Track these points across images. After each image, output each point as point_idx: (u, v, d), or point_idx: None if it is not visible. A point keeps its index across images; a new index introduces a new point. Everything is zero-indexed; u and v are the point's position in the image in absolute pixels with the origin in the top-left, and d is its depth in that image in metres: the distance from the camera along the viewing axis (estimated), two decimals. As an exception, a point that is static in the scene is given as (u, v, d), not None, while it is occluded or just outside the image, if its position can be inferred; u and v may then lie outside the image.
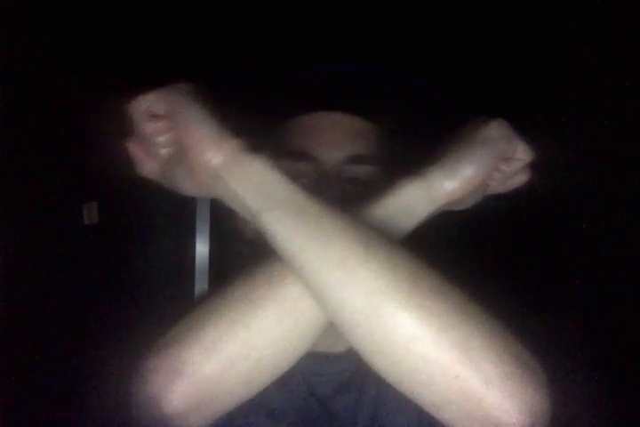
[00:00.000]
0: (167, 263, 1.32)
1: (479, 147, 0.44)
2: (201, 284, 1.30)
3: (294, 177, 0.42)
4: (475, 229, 1.13)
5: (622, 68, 1.01)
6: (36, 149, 1.03)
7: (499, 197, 0.49)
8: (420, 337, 0.35)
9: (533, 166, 0.47)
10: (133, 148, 0.44)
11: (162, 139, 0.42)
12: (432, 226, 0.47)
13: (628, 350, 0.93)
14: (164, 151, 0.43)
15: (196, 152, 0.40)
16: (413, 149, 0.56)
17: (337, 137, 0.57)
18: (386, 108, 0.59)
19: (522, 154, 0.46)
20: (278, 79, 0.65)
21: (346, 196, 0.54)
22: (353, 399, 0.55)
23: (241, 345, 0.39)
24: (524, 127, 0.46)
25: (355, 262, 0.37)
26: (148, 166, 0.44)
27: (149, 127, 0.42)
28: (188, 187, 0.43)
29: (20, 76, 0.98)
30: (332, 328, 0.41)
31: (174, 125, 0.41)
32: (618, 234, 1.02)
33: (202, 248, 1.31)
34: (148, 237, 1.31)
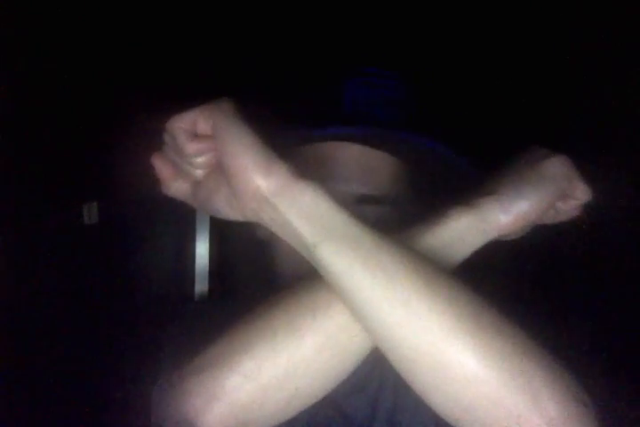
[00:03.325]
0: (167, 263, 1.32)
1: (539, 183, 0.43)
2: (201, 284, 1.30)
3: None
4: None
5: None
6: (36, 149, 1.03)
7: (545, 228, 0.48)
8: (482, 377, 0.35)
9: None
10: (160, 165, 0.41)
11: (201, 160, 0.39)
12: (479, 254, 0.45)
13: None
14: (199, 172, 0.40)
15: (244, 177, 0.37)
16: (430, 190, 0.53)
17: (348, 172, 0.55)
18: (403, 141, 0.56)
19: (581, 194, 0.45)
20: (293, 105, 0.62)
21: None
22: (368, 401, 0.54)
23: (281, 374, 0.38)
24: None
25: (418, 301, 0.36)
26: (176, 186, 0.42)
27: (191, 147, 0.38)
28: (225, 211, 0.41)
29: (21, 75, 0.98)
30: None
31: (217, 146, 0.38)
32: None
33: (202, 248, 1.31)
34: (148, 237, 1.31)
